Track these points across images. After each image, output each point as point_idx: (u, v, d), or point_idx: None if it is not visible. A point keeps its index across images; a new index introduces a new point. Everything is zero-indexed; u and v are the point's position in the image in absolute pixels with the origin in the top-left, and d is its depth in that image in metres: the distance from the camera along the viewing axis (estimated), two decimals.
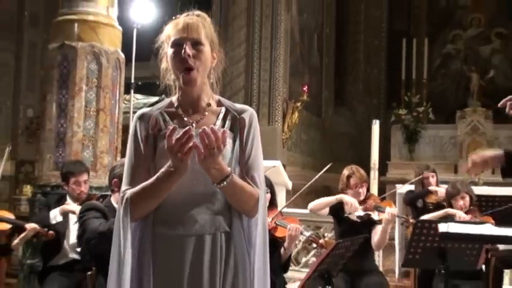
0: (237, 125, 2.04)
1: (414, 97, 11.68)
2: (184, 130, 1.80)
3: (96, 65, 5.71)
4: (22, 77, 9.59)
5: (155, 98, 9.48)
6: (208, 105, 2.06)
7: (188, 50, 1.97)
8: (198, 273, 1.95)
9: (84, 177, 4.46)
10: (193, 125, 1.98)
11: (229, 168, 1.92)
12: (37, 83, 9.44)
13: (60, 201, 4.52)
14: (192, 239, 1.95)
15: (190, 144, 1.80)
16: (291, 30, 10.54)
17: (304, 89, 10.33)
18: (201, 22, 2.03)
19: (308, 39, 11.64)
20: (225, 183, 1.89)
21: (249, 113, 2.08)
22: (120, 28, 6.05)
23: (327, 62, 12.71)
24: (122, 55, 6.01)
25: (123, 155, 6.22)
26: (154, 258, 1.96)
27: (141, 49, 8.24)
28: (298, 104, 10.20)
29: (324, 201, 4.39)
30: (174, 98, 2.09)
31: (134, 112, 7.91)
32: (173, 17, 2.08)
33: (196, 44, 1.99)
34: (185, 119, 2.02)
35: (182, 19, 2.03)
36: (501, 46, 13.11)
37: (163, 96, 8.96)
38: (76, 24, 5.71)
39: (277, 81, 9.78)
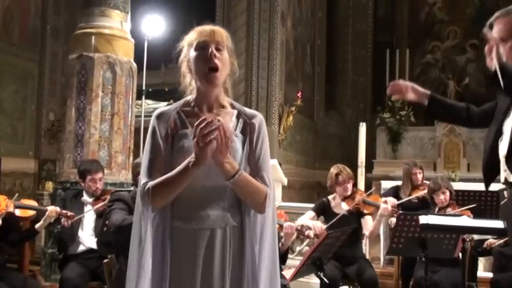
0: (248, 129, 2.00)
1: (397, 102, 11.65)
2: (207, 121, 1.77)
3: (111, 74, 5.71)
4: (45, 84, 9.60)
5: (164, 103, 9.49)
6: (223, 106, 2.03)
7: (214, 51, 1.94)
8: (209, 266, 1.91)
9: (99, 175, 4.45)
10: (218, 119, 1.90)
11: (237, 165, 1.88)
12: (58, 90, 9.46)
13: (77, 196, 4.51)
14: (205, 233, 1.92)
15: (214, 135, 1.76)
16: (286, 42, 10.53)
17: (298, 94, 10.33)
18: (219, 29, 2.01)
19: (301, 50, 11.62)
20: (236, 177, 1.86)
21: (259, 118, 2.04)
22: (132, 40, 6.05)
23: (319, 70, 12.69)
24: (134, 64, 6.00)
25: (135, 155, 6.22)
26: (171, 251, 1.92)
27: (151, 59, 8.25)
28: (293, 108, 10.19)
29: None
30: (190, 98, 2.04)
31: (145, 116, 7.91)
32: (190, 29, 2.04)
33: (219, 49, 1.96)
34: (201, 117, 1.98)
35: (207, 26, 2.00)
36: (475, 56, 13.08)
37: (171, 101, 8.98)
38: (93, 37, 5.72)
39: (274, 88, 9.77)
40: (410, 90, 2.81)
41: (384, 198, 5.41)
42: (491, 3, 12.94)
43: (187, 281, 1.91)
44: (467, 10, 13.20)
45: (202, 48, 1.95)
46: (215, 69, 1.94)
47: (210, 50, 1.94)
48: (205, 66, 1.94)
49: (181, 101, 2.05)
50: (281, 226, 3.81)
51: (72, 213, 4.20)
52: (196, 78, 1.99)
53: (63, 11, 9.70)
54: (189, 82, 2.04)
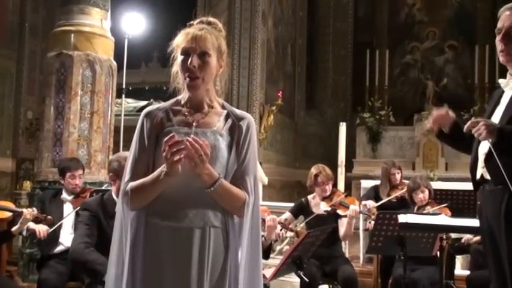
0: (235, 130, 2.01)
1: (377, 102, 11.74)
2: (175, 140, 1.78)
3: (91, 72, 5.66)
4: (23, 82, 9.48)
5: (144, 102, 9.44)
6: (211, 107, 2.03)
7: (194, 61, 1.94)
8: (186, 265, 1.90)
9: (79, 172, 4.42)
10: (194, 123, 1.96)
11: (217, 174, 1.89)
12: (36, 88, 9.34)
13: (56, 195, 4.47)
14: (182, 231, 1.91)
15: (180, 156, 1.78)
16: (267, 41, 10.53)
17: (279, 94, 10.35)
18: (209, 33, 1.99)
19: (282, 50, 11.63)
20: (214, 186, 1.88)
21: (247, 120, 2.04)
22: (112, 38, 6.00)
23: (299, 70, 12.72)
24: (114, 63, 5.96)
25: (114, 154, 6.17)
26: (146, 246, 1.92)
27: (131, 58, 8.19)
28: (274, 108, 10.20)
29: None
30: (180, 97, 2.06)
31: (125, 114, 7.86)
32: (187, 24, 2.04)
33: (203, 55, 1.96)
34: (188, 117, 1.99)
35: (192, 29, 1.99)
36: (453, 57, 13.23)
37: (151, 100, 8.94)
38: (72, 35, 5.66)
39: (255, 87, 9.77)
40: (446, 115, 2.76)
41: (364, 202, 5.48)
42: (470, 5, 13.14)
43: (158, 280, 1.91)
44: (446, 11, 13.34)
45: (185, 54, 1.96)
46: (195, 78, 1.95)
47: (190, 59, 1.94)
48: (186, 74, 1.96)
49: (173, 100, 2.07)
50: (264, 220, 3.82)
51: (50, 217, 4.14)
52: (183, 80, 2.00)
53: (41, 9, 9.58)
54: (182, 83, 2.04)
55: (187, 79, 1.96)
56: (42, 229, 4.07)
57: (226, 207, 1.97)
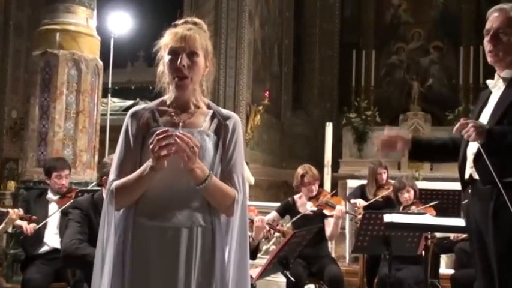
0: (222, 130, 2.01)
1: (363, 102, 11.80)
2: (166, 134, 1.77)
3: (76, 71, 5.62)
4: (7, 81, 9.39)
5: (130, 102, 9.40)
6: (198, 107, 2.03)
7: (184, 60, 1.93)
8: (174, 264, 1.89)
9: (66, 172, 4.39)
10: (180, 124, 1.94)
11: (208, 170, 1.89)
12: (21, 87, 9.27)
13: (41, 195, 4.43)
14: (169, 231, 1.90)
15: (170, 152, 1.77)
16: (254, 42, 10.54)
17: (266, 94, 10.37)
18: (197, 33, 1.99)
19: (269, 50, 11.65)
20: (206, 182, 1.87)
21: (233, 120, 2.05)
22: (98, 37, 5.96)
23: (286, 70, 12.75)
24: (100, 62, 5.92)
25: (100, 153, 6.14)
26: (133, 247, 1.92)
27: (117, 57, 8.15)
28: (260, 108, 10.22)
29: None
30: (166, 97, 2.04)
31: (111, 114, 7.82)
32: (173, 23, 2.02)
33: (192, 55, 1.95)
34: (174, 117, 1.98)
35: (181, 29, 1.97)
36: (438, 58, 13.34)
37: (137, 99, 8.91)
38: (58, 34, 5.61)
39: (242, 87, 9.77)
40: (398, 143, 2.86)
41: (353, 201, 5.52)
42: (455, 7, 13.26)
43: (146, 280, 1.90)
44: (431, 12, 13.45)
45: (174, 53, 1.95)
46: (184, 77, 1.95)
47: (180, 59, 1.94)
48: (175, 74, 1.95)
49: (158, 100, 2.06)
50: (252, 221, 3.81)
51: (35, 217, 4.10)
52: (169, 81, 2.00)
53: (26, 7, 9.51)
54: (168, 82, 2.03)
55: (176, 79, 1.95)
56: (29, 226, 4.04)
57: (216, 205, 1.96)
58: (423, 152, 2.88)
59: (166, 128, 1.82)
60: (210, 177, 1.88)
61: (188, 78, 1.95)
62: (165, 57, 1.99)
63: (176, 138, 1.78)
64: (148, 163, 1.84)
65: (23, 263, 4.28)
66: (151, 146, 1.79)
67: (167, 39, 1.98)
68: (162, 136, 1.78)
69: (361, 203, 5.42)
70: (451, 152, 2.71)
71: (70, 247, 3.34)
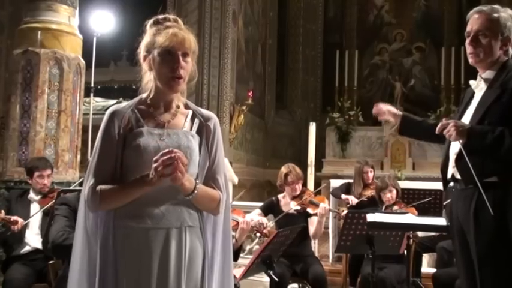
0: (203, 130, 2.01)
1: (346, 102, 11.86)
2: (171, 155, 1.77)
3: (58, 70, 5.56)
4: None
5: (113, 101, 9.33)
6: (178, 107, 2.02)
7: (181, 61, 1.92)
8: (165, 265, 1.89)
9: (48, 171, 4.35)
10: (166, 124, 1.94)
11: (193, 179, 1.89)
12: (2, 86, 9.14)
13: (23, 195, 4.38)
14: (160, 232, 1.89)
15: (174, 174, 1.78)
16: (238, 41, 10.53)
17: (249, 94, 10.37)
18: (187, 33, 1.97)
19: (253, 50, 11.66)
20: (195, 192, 1.88)
21: (214, 120, 2.05)
22: (80, 36, 5.91)
23: (270, 70, 12.77)
24: (82, 61, 5.87)
25: (83, 153, 6.09)
26: (118, 250, 1.89)
27: (100, 56, 8.10)
28: (244, 107, 10.22)
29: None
30: (144, 96, 2.01)
31: (94, 113, 7.76)
32: (154, 19, 1.99)
33: (185, 56, 1.94)
34: (158, 118, 1.97)
35: (172, 30, 1.94)
36: (420, 58, 13.47)
37: (120, 99, 8.84)
38: (39, 32, 5.55)
39: (225, 87, 9.76)
40: (387, 112, 2.95)
41: (344, 196, 5.59)
42: (437, 8, 13.39)
43: (142, 282, 1.88)
44: (414, 14, 13.57)
45: (169, 53, 1.92)
46: (179, 78, 1.93)
47: (178, 60, 1.92)
48: (170, 74, 1.92)
49: (136, 99, 2.03)
50: (237, 222, 3.81)
51: (15, 218, 4.05)
52: (158, 80, 1.96)
53: (7, 4, 9.37)
54: (148, 80, 2.01)
55: (172, 78, 1.93)
56: (12, 219, 4.00)
57: (203, 209, 1.98)
58: (413, 128, 2.95)
59: (171, 149, 1.80)
60: (198, 186, 1.89)
61: (182, 79, 1.94)
62: (154, 54, 1.95)
63: (178, 160, 1.77)
64: (146, 178, 1.81)
65: (4, 263, 4.23)
66: (155, 165, 1.77)
67: (162, 38, 1.93)
68: (167, 157, 1.77)
69: (353, 199, 5.49)
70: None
71: (59, 238, 3.32)
